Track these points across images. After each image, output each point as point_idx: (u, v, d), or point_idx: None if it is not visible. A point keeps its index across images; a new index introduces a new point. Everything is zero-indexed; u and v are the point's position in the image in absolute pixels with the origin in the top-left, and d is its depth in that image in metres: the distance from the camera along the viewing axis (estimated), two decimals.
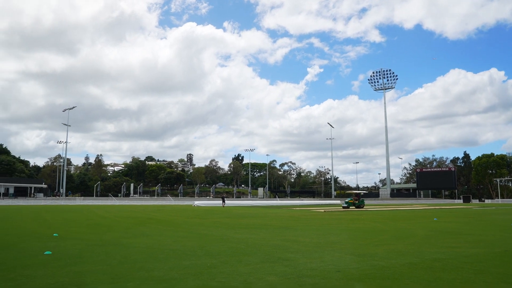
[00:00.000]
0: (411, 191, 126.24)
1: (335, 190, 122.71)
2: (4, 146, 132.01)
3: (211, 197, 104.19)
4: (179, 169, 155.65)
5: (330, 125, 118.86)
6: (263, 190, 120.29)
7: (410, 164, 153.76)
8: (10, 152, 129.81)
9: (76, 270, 8.20)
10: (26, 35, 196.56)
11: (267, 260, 9.56)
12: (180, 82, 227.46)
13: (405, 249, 11.57)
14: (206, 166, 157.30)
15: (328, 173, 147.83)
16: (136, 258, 9.76)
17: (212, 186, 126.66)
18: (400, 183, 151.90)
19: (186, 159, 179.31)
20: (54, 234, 15.11)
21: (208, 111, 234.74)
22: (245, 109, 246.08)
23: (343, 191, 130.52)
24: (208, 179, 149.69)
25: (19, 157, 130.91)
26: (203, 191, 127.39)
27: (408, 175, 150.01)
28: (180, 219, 26.04)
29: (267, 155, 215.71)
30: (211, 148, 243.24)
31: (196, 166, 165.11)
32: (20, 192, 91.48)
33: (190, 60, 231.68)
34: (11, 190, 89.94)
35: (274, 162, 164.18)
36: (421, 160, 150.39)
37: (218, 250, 11.22)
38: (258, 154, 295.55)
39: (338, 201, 79.94)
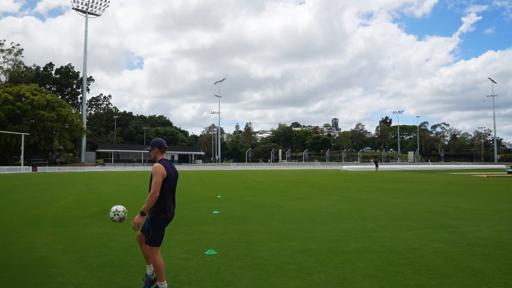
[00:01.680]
0: None
1: (498, 153, 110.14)
2: (167, 119, 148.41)
3: (358, 162, 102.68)
4: (324, 134, 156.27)
5: (492, 80, 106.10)
6: (414, 154, 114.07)
7: None
8: (172, 124, 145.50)
9: (243, 228, 8.90)
10: (177, 16, 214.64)
11: (429, 226, 9.09)
12: (322, 46, 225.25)
13: None
14: (352, 130, 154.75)
15: (489, 135, 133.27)
16: (295, 220, 10.17)
17: (359, 151, 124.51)
18: None
19: (331, 124, 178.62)
20: (217, 196, 16.61)
21: (352, 73, 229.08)
22: (390, 69, 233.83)
23: (508, 154, 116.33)
24: (354, 144, 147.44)
25: (180, 127, 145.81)
26: (350, 155, 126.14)
27: None
28: (330, 183, 26.28)
29: (417, 116, 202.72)
30: (356, 112, 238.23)
31: (341, 131, 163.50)
32: (183, 159, 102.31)
33: (330, 22, 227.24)
34: (176, 157, 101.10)
35: (425, 124, 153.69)
36: None
37: (375, 214, 11.04)
38: (406, 116, 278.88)
39: (502, 166, 71.74)
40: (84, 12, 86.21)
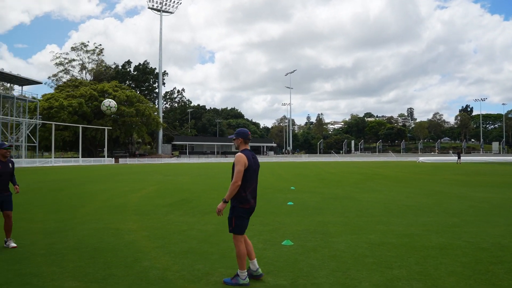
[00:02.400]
0: None
1: None
2: (238, 111, 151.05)
3: (436, 153, 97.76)
4: (399, 124, 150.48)
5: None
6: (499, 144, 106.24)
7: None
8: (243, 116, 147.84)
9: (318, 220, 8.84)
10: (246, 9, 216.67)
11: None
12: (395, 32, 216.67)
13: None
14: (429, 120, 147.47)
15: None
16: (372, 212, 9.92)
17: (436, 141, 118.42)
18: None
19: (406, 114, 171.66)
20: (291, 187, 16.64)
21: (428, 60, 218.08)
22: (472, 54, 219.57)
23: None
24: (431, 134, 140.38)
25: (251, 119, 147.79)
26: (426, 146, 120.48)
27: None
28: (406, 175, 25.28)
29: (503, 104, 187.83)
30: (433, 100, 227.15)
31: (417, 121, 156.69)
32: (255, 151, 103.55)
33: (404, 7, 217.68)
34: None
35: None
36: None
37: (458, 209, 10.45)
38: (490, 104, 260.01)
39: None
40: (158, 10, 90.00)
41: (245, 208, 4.62)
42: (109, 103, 6.63)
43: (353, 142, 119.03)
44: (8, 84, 65.62)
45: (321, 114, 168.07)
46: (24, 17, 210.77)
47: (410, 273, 4.97)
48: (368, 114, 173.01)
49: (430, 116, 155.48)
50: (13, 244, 6.33)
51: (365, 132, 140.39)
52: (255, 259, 4.82)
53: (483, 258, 5.67)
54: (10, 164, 6.50)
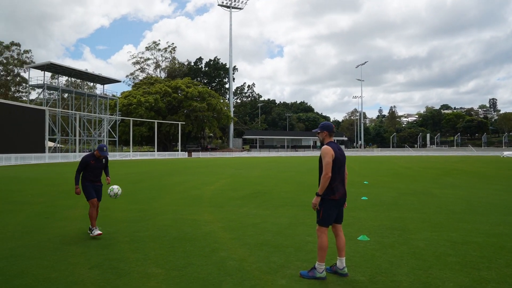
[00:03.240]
0: None
1: None
2: (308, 105, 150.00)
3: None
4: (480, 116, 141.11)
5: None
6: None
7: None
8: (314, 110, 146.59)
9: (395, 215, 8.53)
10: (314, 1, 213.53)
11: None
12: (475, 17, 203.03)
13: None
14: None
15: None
16: (452, 209, 9.39)
17: None
18: None
19: (488, 105, 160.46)
20: (364, 182, 16.23)
21: None
22: None
23: None
24: None
25: (321, 113, 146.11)
26: None
27: None
28: (490, 170, 23.66)
29: None
30: None
31: (501, 112, 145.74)
32: None
33: None
34: (318, 143, 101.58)
35: None
36: None
37: None
38: None
39: None
40: (228, 7, 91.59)
41: (334, 199, 4.60)
42: (116, 192, 6.93)
43: (428, 135, 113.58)
44: (91, 84, 70.26)
45: (394, 106, 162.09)
46: (104, 21, 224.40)
47: (500, 276, 4.63)
48: (445, 106, 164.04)
49: None
50: (98, 232, 6.65)
51: (442, 125, 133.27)
52: (344, 257, 4.71)
53: None
54: (103, 160, 7.09)
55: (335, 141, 4.85)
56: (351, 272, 4.77)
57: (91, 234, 6.64)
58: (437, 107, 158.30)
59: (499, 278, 4.54)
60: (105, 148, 7.00)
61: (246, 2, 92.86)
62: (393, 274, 4.71)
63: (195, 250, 5.78)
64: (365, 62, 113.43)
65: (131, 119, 60.59)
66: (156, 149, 63.84)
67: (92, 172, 6.84)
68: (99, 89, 67.57)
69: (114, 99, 66.27)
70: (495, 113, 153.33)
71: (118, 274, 4.73)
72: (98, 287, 4.34)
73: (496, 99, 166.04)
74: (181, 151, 67.55)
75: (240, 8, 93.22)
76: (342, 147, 73.66)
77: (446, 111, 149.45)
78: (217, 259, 5.32)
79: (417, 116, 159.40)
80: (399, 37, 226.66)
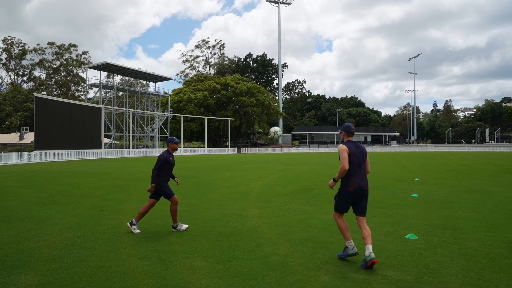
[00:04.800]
0: None
1: None
2: (359, 99, 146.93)
3: None
4: None
5: None
6: None
7: None
8: (364, 104, 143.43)
9: (447, 214, 8.22)
10: None
11: None
12: None
13: None
14: None
15: None
16: (511, 208, 8.92)
17: None
18: None
19: None
20: (416, 179, 15.73)
21: None
22: None
23: None
24: None
25: (372, 108, 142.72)
26: None
27: None
28: None
29: None
30: None
31: None
32: (376, 140, 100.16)
33: None
34: (369, 138, 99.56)
35: None
36: None
37: None
38: None
39: None
40: (276, 2, 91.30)
41: (347, 191, 5.11)
42: (275, 130, 7.43)
43: (487, 130, 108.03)
44: (144, 82, 72.60)
45: (450, 100, 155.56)
46: (155, 20, 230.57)
47: None
48: (507, 99, 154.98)
49: None
50: (185, 225, 6.93)
51: (503, 119, 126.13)
52: (370, 244, 4.88)
53: None
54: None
55: (357, 141, 5.45)
56: (397, 271, 4.67)
57: (178, 229, 6.82)
58: (498, 100, 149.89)
59: None
60: (176, 138, 7.04)
61: None
62: (441, 274, 4.56)
63: (240, 244, 5.87)
64: (418, 55, 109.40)
65: (182, 115, 62.07)
66: (206, 145, 65.06)
67: (168, 169, 6.85)
68: (151, 87, 69.69)
69: (166, 96, 68.14)
70: None
71: (166, 266, 4.90)
72: (146, 277, 4.52)
73: None
74: (230, 146, 68.42)
75: (289, 3, 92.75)
76: (394, 142, 71.53)
77: (507, 104, 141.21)
78: (261, 254, 5.38)
79: (475, 110, 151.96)
80: (455, 26, 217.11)
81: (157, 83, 68.07)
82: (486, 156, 39.50)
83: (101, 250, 5.59)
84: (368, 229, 5.05)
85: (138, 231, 6.78)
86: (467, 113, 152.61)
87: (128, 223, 6.88)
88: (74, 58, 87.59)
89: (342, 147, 5.20)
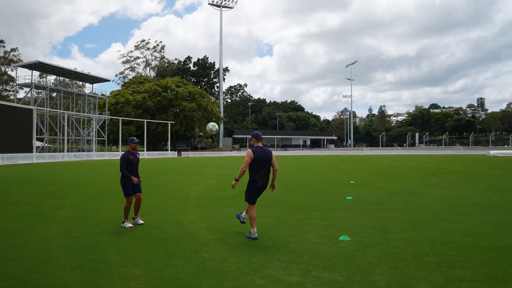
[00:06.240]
0: None
1: None
2: (298, 104, 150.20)
3: (510, 146, 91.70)
4: (468, 115, 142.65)
5: None
6: None
7: None
8: (304, 109, 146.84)
9: (378, 215, 8.64)
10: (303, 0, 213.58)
11: None
12: (463, 16, 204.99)
13: None
14: (502, 111, 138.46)
15: None
16: (435, 209, 9.54)
17: (511, 134, 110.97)
18: None
19: (476, 104, 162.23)
20: (351, 182, 16.36)
21: (501, 45, 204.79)
22: None
23: None
24: (505, 126, 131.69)
25: (311, 112, 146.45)
26: (499, 139, 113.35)
27: None
28: (475, 170, 23.96)
29: None
30: (507, 89, 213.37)
31: (489, 111, 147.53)
32: (315, 144, 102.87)
33: None
34: (308, 142, 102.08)
35: None
36: None
37: None
38: None
39: None
40: (218, 6, 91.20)
41: (255, 186, 6.47)
42: (212, 125, 7.28)
43: (417, 134, 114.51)
44: (80, 83, 69.72)
45: (384, 106, 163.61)
46: (93, 19, 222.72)
47: (474, 274, 4.75)
48: (434, 105, 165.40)
49: (503, 107, 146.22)
50: (141, 221, 7.70)
51: (431, 124, 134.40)
52: (255, 228, 6.51)
53: None
54: (138, 155, 7.91)
55: (263, 145, 6.70)
56: (329, 272, 4.86)
57: (134, 222, 7.71)
58: (426, 106, 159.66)
59: (472, 277, 4.65)
60: (135, 138, 7.78)
61: (236, 1, 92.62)
62: (370, 273, 4.80)
63: (177, 251, 5.83)
64: (355, 62, 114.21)
65: (120, 118, 60.26)
66: (145, 148, 63.57)
67: (132, 167, 7.56)
68: (88, 88, 66.96)
69: (103, 98, 65.91)
70: (482, 112, 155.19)
71: (100, 276, 4.76)
72: None
73: (484, 99, 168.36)
74: (170, 150, 67.31)
75: (231, 7, 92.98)
76: (331, 146, 73.79)
77: (435, 110, 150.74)
78: (198, 260, 5.37)
79: (406, 115, 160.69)
80: (388, 35, 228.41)
81: (94, 84, 65.60)
82: (415, 159, 41.83)
83: (29, 262, 5.31)
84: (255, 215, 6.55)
85: (142, 222, 7.70)
86: (400, 118, 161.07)
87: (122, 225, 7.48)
88: (2, 55, 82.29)
89: (248, 151, 6.41)
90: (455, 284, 4.45)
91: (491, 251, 5.74)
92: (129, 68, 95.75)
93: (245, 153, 6.33)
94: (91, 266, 5.11)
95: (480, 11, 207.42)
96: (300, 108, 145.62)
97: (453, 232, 7.00)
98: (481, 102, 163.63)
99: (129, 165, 7.55)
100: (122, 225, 7.52)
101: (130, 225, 7.47)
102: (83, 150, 58.00)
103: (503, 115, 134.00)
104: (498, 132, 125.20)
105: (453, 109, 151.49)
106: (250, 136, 6.62)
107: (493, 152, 57.06)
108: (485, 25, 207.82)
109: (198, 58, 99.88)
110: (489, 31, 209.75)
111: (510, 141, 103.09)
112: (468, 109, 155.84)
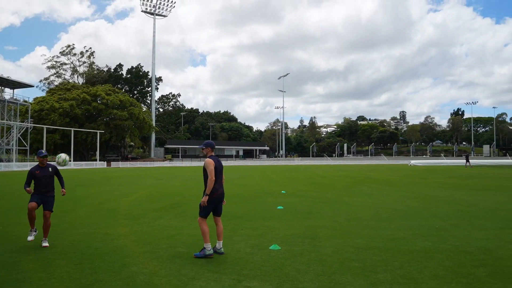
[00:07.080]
0: None
1: None
2: (231, 114, 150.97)
3: (428, 156, 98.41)
4: (392, 127, 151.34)
5: None
6: (490, 147, 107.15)
7: None
8: (237, 119, 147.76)
9: (308, 224, 8.90)
10: (236, 11, 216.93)
11: (507, 226, 8.55)
12: (386, 35, 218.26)
13: None
14: (421, 123, 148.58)
15: None
16: (361, 216, 10.00)
17: (428, 144, 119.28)
18: None
19: (398, 117, 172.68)
20: (282, 191, 16.70)
21: (420, 63, 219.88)
22: (463, 57, 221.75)
23: None
24: (423, 137, 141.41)
25: (244, 123, 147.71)
26: (418, 149, 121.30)
27: None
28: (398, 178, 25.46)
29: (493, 107, 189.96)
30: (425, 104, 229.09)
31: (410, 124, 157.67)
32: (248, 154, 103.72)
33: (395, 9, 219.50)
34: (241, 152, 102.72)
35: (503, 116, 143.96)
36: None
37: (446, 212, 10.58)
38: (481, 107, 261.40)
39: None
40: (152, 14, 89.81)
41: (213, 198, 6.06)
42: (64, 158, 6.83)
43: (345, 145, 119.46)
44: None
45: (314, 117, 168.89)
46: (14, 19, 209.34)
47: (394, 277, 5.05)
48: (361, 117, 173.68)
49: (422, 119, 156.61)
50: (45, 244, 6.80)
51: (358, 135, 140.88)
52: (222, 241, 6.28)
53: (466, 261, 5.77)
54: (49, 169, 7.04)
55: (216, 155, 6.56)
56: (259, 281, 4.93)
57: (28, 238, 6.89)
58: (354, 118, 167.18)
59: (392, 280, 4.95)
60: (43, 151, 7.02)
61: (170, 10, 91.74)
62: (299, 281, 4.94)
63: (104, 265, 5.61)
64: (287, 74, 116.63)
65: (44, 126, 57.02)
66: (72, 159, 60.52)
67: (39, 182, 6.86)
68: (8, 93, 62.65)
69: (26, 104, 62.02)
70: (404, 124, 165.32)
71: None
72: None
73: (405, 112, 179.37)
74: (99, 160, 64.66)
75: (165, 16, 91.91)
76: (264, 156, 75.23)
77: (361, 122, 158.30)
78: (126, 274, 5.22)
79: (335, 126, 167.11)
80: (318, 50, 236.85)
81: (15, 90, 61.57)
82: (344, 169, 43.59)
83: None
84: (222, 226, 6.32)
85: (46, 244, 6.81)
86: (329, 129, 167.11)
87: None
88: None
89: (209, 161, 6.08)
90: (377, 287, 4.71)
91: (409, 254, 6.14)
92: (55, 74, 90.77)
93: (205, 163, 6.09)
94: (7, 287, 4.78)
95: (401, 30, 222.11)
96: (233, 119, 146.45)
97: (377, 238, 7.38)
98: (403, 115, 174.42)
99: (35, 180, 6.87)
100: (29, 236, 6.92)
101: (31, 238, 6.84)
102: (1, 160, 53.99)
103: (421, 127, 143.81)
104: (417, 143, 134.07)
105: (378, 121, 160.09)
106: (202, 145, 6.42)
107: (413, 161, 60.92)
108: (405, 44, 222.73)
109: (132, 66, 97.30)
110: (409, 49, 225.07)
111: (428, 152, 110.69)
112: (391, 121, 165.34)
